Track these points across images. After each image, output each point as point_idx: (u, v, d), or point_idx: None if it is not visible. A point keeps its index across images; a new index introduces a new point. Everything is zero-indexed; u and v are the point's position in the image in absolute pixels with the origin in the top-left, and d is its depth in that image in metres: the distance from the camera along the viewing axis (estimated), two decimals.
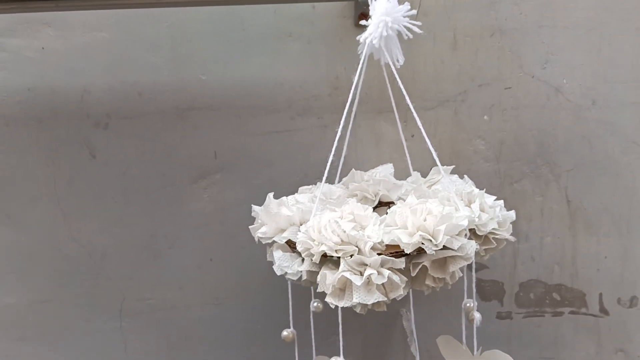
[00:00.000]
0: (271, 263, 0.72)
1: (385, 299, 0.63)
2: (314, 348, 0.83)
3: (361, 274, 0.62)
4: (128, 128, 0.89)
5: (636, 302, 0.95)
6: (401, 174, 0.85)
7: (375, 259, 0.62)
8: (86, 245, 0.92)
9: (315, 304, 0.84)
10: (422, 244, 0.63)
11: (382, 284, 0.62)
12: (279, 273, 0.70)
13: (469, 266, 0.71)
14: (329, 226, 0.64)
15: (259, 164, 0.91)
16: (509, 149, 0.91)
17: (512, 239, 0.72)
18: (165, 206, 0.92)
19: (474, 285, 0.74)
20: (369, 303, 0.62)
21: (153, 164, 0.90)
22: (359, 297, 0.62)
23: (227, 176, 0.91)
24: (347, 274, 0.62)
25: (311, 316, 0.84)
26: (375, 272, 0.61)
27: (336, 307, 0.65)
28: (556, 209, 0.92)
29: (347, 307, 0.64)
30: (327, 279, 0.63)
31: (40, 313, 0.94)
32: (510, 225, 0.72)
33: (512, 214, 0.73)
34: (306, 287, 0.73)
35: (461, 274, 0.67)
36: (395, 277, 0.62)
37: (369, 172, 0.85)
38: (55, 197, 0.91)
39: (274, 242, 0.71)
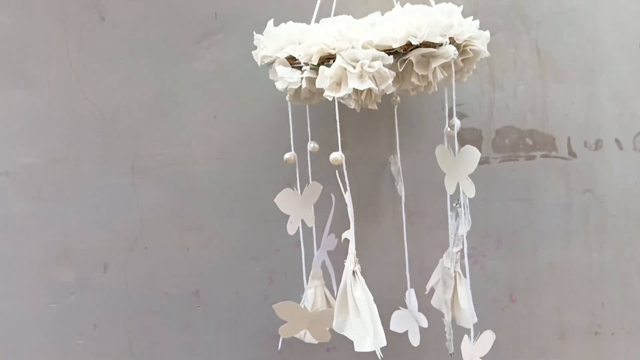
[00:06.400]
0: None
1: (376, 87, 0.71)
2: (310, 176, 0.92)
3: (355, 68, 0.71)
4: None
5: (601, 145, 1.05)
6: None
7: (367, 52, 0.71)
8: (98, 105, 0.99)
9: (312, 145, 0.94)
10: (408, 38, 0.71)
11: (373, 76, 0.71)
12: (280, 87, 0.79)
13: (449, 91, 0.80)
14: (325, 29, 0.72)
15: (258, 24, 0.96)
16: (485, 3, 0.99)
17: (486, 53, 0.81)
18: (170, 66, 0.99)
19: (454, 106, 0.82)
20: (361, 89, 0.70)
21: (158, 26, 0.98)
22: (353, 84, 0.70)
23: (227, 36, 0.99)
24: (343, 64, 0.70)
25: (308, 156, 0.93)
26: (367, 61, 0.70)
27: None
28: (528, 59, 1.01)
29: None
30: (326, 72, 0.72)
31: (56, 172, 0.99)
32: (486, 43, 0.81)
33: (486, 33, 0.81)
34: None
35: (442, 76, 0.76)
36: (384, 69, 0.71)
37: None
38: (68, 58, 0.98)
39: (275, 60, 0.79)
